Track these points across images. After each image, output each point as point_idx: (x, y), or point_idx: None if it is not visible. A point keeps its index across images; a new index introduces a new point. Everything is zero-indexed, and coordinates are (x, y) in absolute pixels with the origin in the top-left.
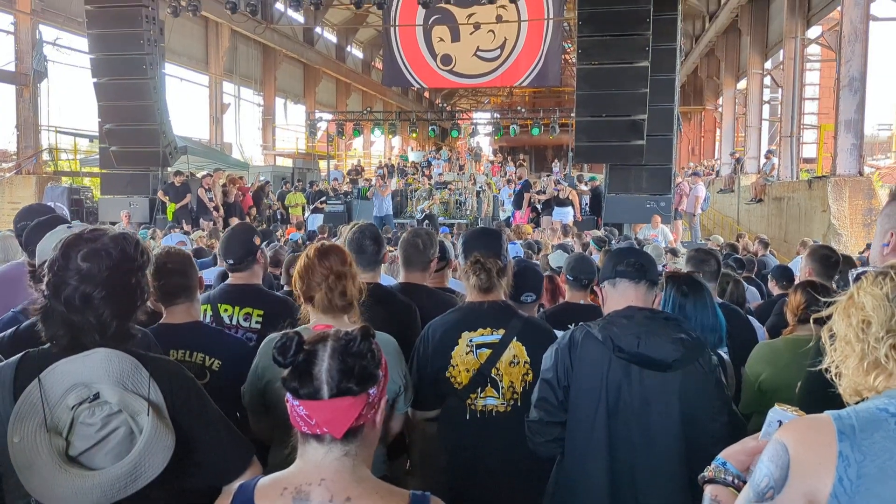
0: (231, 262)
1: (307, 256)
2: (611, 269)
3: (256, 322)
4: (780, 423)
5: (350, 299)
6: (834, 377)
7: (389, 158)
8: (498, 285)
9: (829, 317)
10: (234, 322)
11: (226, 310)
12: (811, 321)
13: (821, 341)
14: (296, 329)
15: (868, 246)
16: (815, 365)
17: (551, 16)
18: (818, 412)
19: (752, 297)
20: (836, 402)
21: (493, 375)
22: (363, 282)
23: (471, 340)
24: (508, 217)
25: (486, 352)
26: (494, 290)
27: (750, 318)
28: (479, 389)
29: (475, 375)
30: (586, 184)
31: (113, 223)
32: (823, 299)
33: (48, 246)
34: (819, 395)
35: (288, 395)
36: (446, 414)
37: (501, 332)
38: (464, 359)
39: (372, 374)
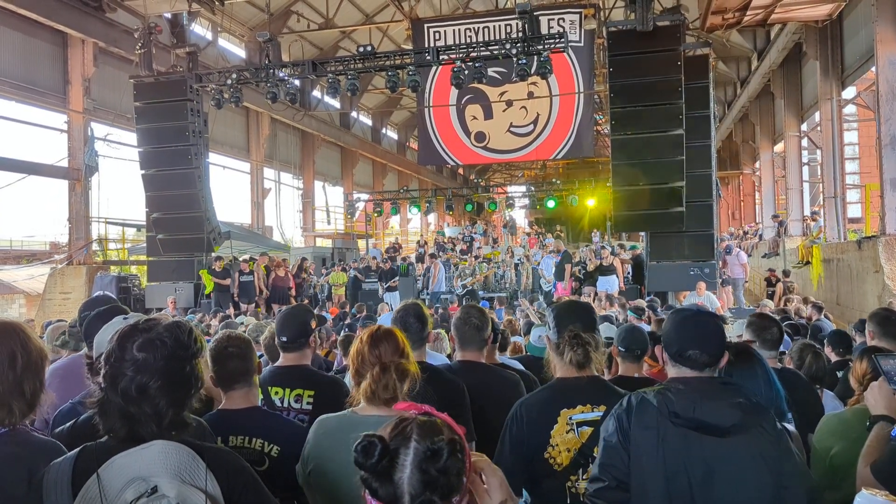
0: (285, 339)
1: (360, 341)
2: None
3: (308, 403)
4: None
5: (393, 393)
6: None
7: (423, 235)
8: (594, 360)
9: None
10: (286, 404)
11: (276, 392)
12: None
13: None
14: (377, 433)
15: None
16: None
17: (581, 89)
18: None
19: None
20: None
21: (595, 455)
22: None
23: (571, 418)
24: (550, 290)
25: (588, 430)
26: (590, 366)
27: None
28: (579, 471)
29: (576, 456)
30: (627, 252)
31: (159, 309)
32: None
33: (105, 338)
34: None
35: (366, 492)
36: (543, 499)
37: (603, 408)
38: (564, 438)
39: (455, 487)
